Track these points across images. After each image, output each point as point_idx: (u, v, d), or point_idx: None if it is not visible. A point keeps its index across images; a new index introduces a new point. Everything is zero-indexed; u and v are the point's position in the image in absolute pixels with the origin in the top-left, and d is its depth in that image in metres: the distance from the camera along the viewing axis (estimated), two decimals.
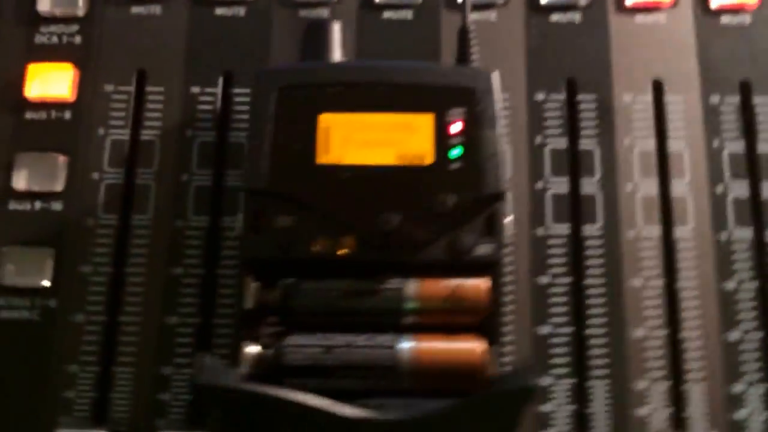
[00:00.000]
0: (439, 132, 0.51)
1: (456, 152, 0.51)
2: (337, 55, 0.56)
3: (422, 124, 0.52)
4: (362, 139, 0.51)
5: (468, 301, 0.50)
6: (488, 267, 0.50)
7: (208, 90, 0.57)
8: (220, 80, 0.57)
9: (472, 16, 0.58)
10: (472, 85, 0.52)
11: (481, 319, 0.50)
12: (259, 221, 0.49)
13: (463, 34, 0.56)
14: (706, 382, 0.52)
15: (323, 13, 0.60)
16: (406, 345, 0.49)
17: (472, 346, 0.49)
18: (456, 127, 0.51)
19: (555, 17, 0.60)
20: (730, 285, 0.54)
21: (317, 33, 0.57)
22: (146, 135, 0.56)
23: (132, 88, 0.57)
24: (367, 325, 0.49)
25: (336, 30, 0.57)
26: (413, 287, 0.50)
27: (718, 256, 0.55)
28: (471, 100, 0.52)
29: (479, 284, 0.50)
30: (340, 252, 0.50)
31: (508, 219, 0.51)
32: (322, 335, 0.49)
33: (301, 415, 0.44)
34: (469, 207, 0.50)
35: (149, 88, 0.58)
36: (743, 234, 0.55)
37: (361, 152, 0.51)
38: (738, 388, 0.52)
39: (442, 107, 0.52)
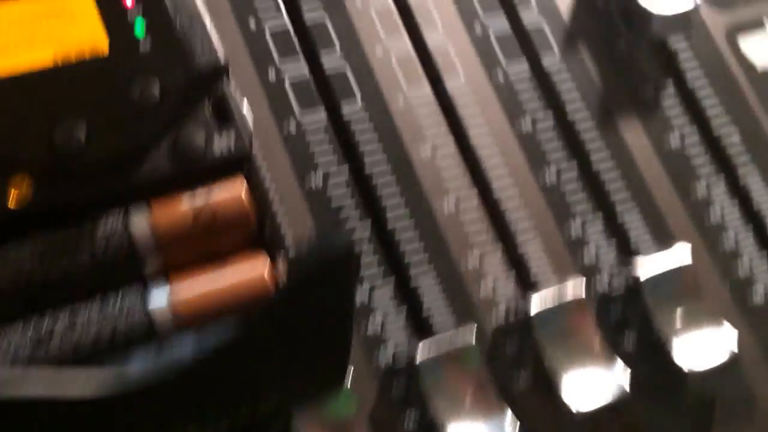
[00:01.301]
0: (107, 11, 0.38)
1: (139, 28, 0.37)
2: None
3: (79, 9, 0.38)
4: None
5: (225, 215, 0.37)
6: (236, 164, 0.37)
7: None
8: None
9: None
10: None
11: (248, 233, 0.37)
12: None
13: None
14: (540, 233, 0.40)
15: None
16: (162, 298, 0.34)
17: (255, 267, 0.35)
18: None
19: None
20: (525, 125, 0.43)
21: None
22: None
23: None
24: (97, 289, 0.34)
25: None
26: (143, 220, 0.36)
27: (501, 97, 0.44)
28: None
29: (233, 188, 0.37)
30: (14, 202, 0.34)
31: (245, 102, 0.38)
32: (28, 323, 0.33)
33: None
34: (182, 91, 0.37)
35: None
36: (517, 67, 0.45)
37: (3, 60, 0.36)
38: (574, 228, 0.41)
39: None
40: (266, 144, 0.39)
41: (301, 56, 0.42)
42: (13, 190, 0.34)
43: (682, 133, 0.43)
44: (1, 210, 0.34)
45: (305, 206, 0.39)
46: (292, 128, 0.41)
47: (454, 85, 0.43)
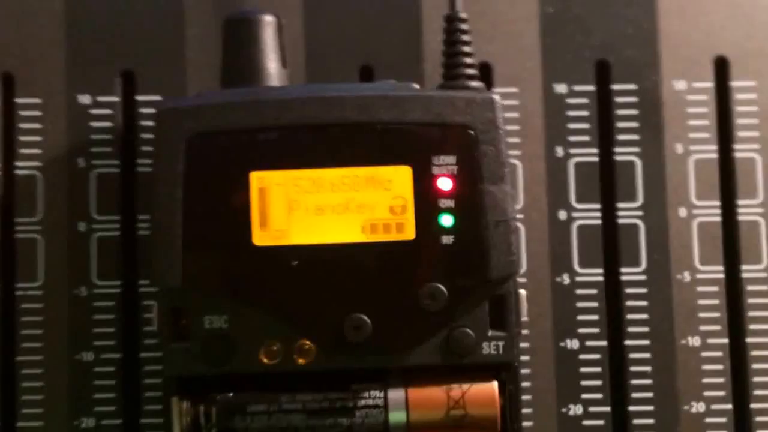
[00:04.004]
0: (421, 192, 0.35)
1: (447, 221, 0.36)
2: (271, 71, 0.38)
3: (397, 181, 0.36)
4: (315, 206, 0.36)
5: (474, 416, 0.37)
6: (496, 367, 0.36)
7: (103, 99, 0.40)
8: (118, 84, 0.40)
9: None
10: (465, 119, 0.36)
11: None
12: (181, 325, 0.36)
13: (452, 26, 0.38)
14: None
15: None
16: None
17: None
18: (445, 185, 0.35)
19: None
20: None
21: (240, 35, 0.38)
22: (22, 168, 0.40)
23: None
24: None
25: (268, 30, 0.38)
26: (399, 400, 0.36)
27: None
28: (465, 143, 0.36)
29: (487, 393, 0.37)
30: (297, 362, 0.36)
31: (523, 294, 0.36)
32: None
33: None
34: (468, 295, 0.35)
35: (19, 100, 0.40)
36: None
37: (314, 225, 0.36)
38: None
39: (423, 156, 0.36)
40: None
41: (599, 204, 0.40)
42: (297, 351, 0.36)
43: None
44: (289, 365, 0.36)
45: (554, 376, 0.39)
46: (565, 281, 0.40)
47: (754, 272, 0.40)
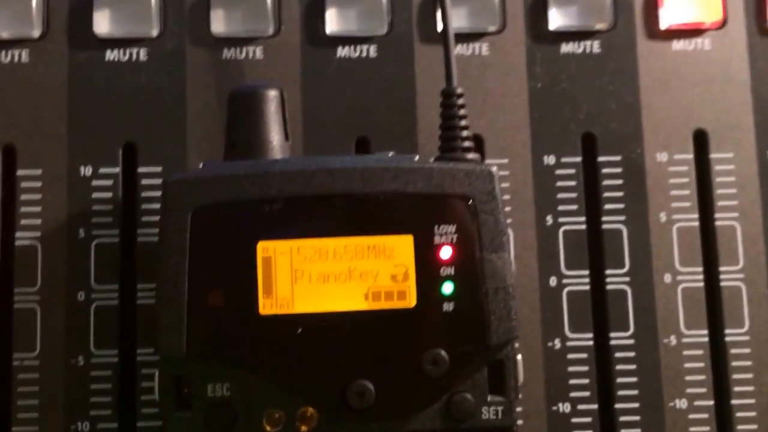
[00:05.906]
0: (422, 261, 0.36)
1: (448, 288, 0.36)
2: (275, 144, 0.38)
3: (398, 249, 0.36)
4: (318, 274, 0.36)
5: None
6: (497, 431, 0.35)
7: (104, 171, 0.40)
8: (120, 156, 0.40)
9: (457, 49, 0.40)
10: (465, 190, 0.36)
11: None
12: (183, 394, 0.35)
13: (449, 101, 0.39)
14: None
15: (254, 52, 0.42)
16: None
17: None
18: (445, 253, 0.36)
19: (566, 48, 0.42)
20: None
21: (245, 108, 0.38)
22: (22, 239, 0.39)
23: None
24: None
25: (272, 104, 0.38)
26: None
27: None
28: (465, 212, 0.37)
29: None
30: (300, 429, 0.36)
31: (519, 359, 0.36)
32: None
33: None
34: (469, 361, 0.35)
35: (21, 172, 0.40)
36: None
37: (317, 294, 0.36)
38: None
39: (424, 225, 0.36)
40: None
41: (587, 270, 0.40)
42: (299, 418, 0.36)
43: None
44: None
45: None
46: (556, 346, 0.40)
47: (737, 336, 0.40)
